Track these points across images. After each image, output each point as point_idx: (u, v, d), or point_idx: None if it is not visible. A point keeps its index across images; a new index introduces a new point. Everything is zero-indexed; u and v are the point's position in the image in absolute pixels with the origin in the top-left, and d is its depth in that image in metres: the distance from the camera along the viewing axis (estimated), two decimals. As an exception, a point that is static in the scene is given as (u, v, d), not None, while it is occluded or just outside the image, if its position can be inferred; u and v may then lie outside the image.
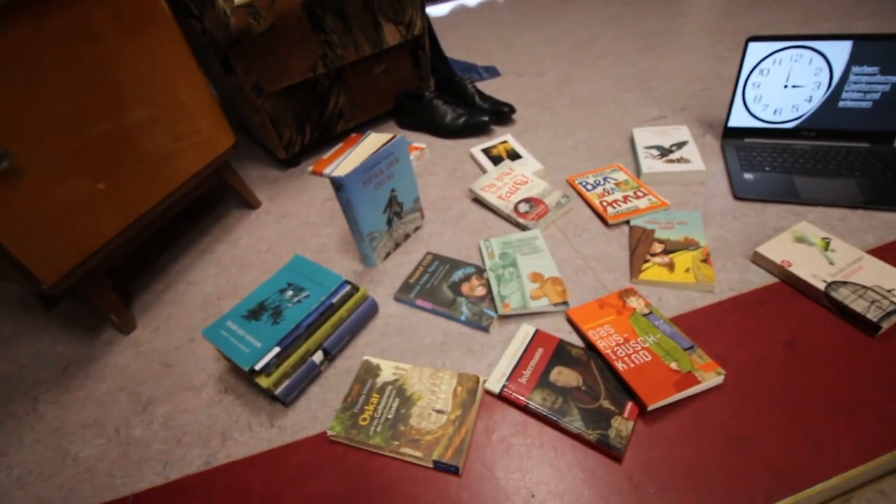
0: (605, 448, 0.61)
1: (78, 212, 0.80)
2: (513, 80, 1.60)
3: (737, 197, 0.96)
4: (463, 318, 0.81)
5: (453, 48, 1.95)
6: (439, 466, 0.63)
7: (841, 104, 1.01)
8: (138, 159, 0.87)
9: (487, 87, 1.58)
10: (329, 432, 0.68)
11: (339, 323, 0.80)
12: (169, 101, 0.91)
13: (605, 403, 0.66)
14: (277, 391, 0.72)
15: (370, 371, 0.75)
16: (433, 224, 1.04)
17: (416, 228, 1.03)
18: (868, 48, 0.95)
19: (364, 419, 0.69)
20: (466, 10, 2.38)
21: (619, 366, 0.68)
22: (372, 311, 0.85)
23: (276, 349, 0.72)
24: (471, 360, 0.76)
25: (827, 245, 0.80)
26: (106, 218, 0.84)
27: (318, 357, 0.77)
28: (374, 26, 1.21)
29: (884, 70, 0.96)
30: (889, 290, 0.71)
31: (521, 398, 0.68)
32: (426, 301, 0.85)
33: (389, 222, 0.95)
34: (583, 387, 0.68)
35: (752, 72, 1.03)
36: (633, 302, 0.78)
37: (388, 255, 0.98)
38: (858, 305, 0.70)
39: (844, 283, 0.73)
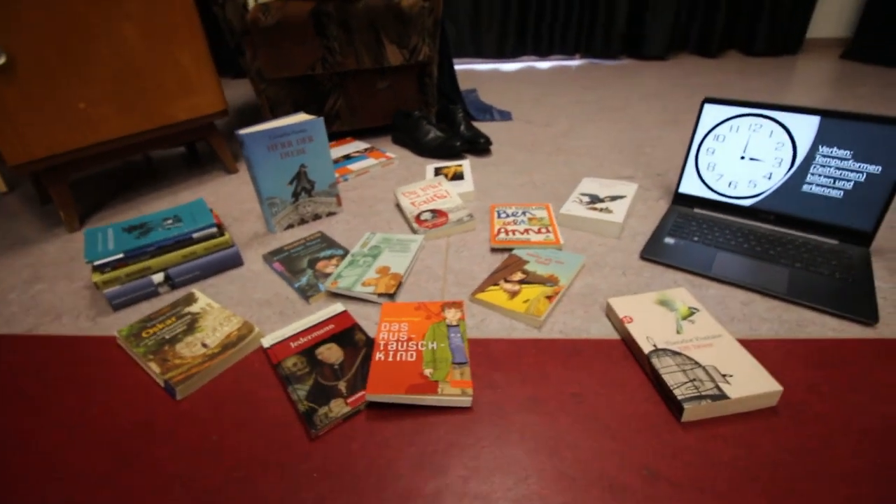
0: (306, 423, 0.57)
1: (55, 118, 0.99)
2: (519, 125, 1.63)
3: (642, 257, 0.86)
4: (296, 285, 0.83)
5: (487, 93, 2.05)
6: (167, 387, 0.64)
7: (805, 188, 0.87)
8: (122, 93, 1.07)
9: (491, 125, 1.63)
10: (116, 334, 0.73)
11: (192, 257, 0.86)
12: (167, 60, 1.11)
13: (341, 385, 0.61)
14: (105, 291, 0.79)
15: (187, 300, 0.79)
16: (348, 214, 1.09)
17: (330, 213, 1.08)
18: (839, 128, 0.82)
19: (147, 332, 0.73)
20: (534, 70, 2.49)
21: (377, 356, 0.64)
22: (233, 259, 0.90)
23: (120, 255, 0.81)
24: (279, 320, 0.77)
25: (689, 315, 0.67)
26: (78, 131, 1.03)
27: (158, 278, 0.83)
28: (377, 44, 1.35)
29: (858, 156, 0.81)
30: (724, 376, 0.57)
31: (276, 358, 0.66)
32: (281, 265, 0.88)
33: (296, 196, 1.01)
34: (336, 365, 0.65)
35: (706, 136, 0.94)
36: (449, 313, 0.73)
37: (290, 226, 1.04)
38: (673, 378, 0.57)
39: (676, 353, 0.61)
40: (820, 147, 0.84)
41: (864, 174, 0.81)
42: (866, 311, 0.69)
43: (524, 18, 2.56)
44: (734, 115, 0.90)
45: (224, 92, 2.27)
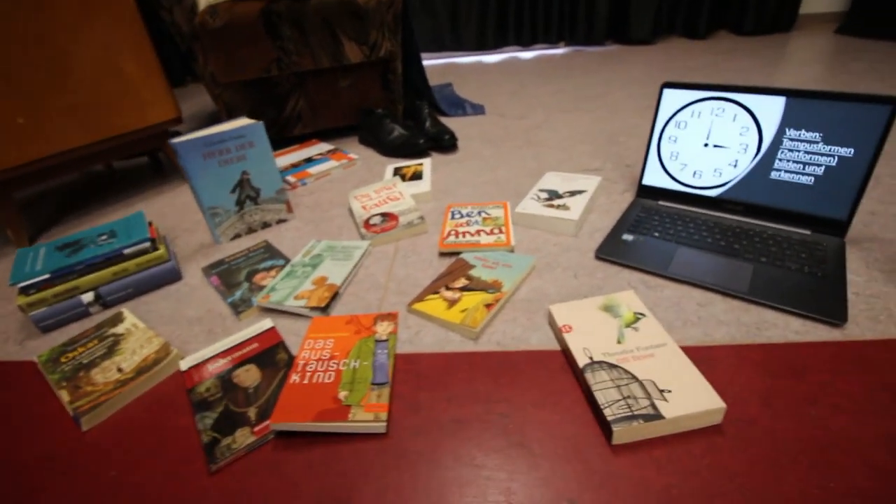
0: (206, 455, 0.53)
1: (-9, 134, 0.96)
2: (491, 118, 1.57)
3: (597, 256, 0.80)
4: (230, 300, 0.78)
5: (465, 87, 1.99)
6: (75, 416, 0.60)
7: (774, 175, 0.80)
8: (63, 106, 1.03)
9: (463, 120, 1.57)
10: (37, 359, 0.70)
11: (124, 274, 0.82)
12: (110, 69, 1.07)
13: (251, 412, 0.57)
14: (31, 313, 0.76)
15: (114, 321, 0.75)
16: (300, 220, 1.04)
17: (281, 221, 1.04)
18: (806, 108, 0.75)
19: (66, 357, 0.69)
20: (517, 61, 2.41)
21: (293, 378, 0.59)
22: (169, 275, 0.86)
23: (46, 275, 0.77)
24: (206, 339, 0.72)
25: (634, 321, 0.61)
26: (17, 147, 1.00)
27: (88, 297, 0.80)
28: (334, 41, 1.30)
29: (828, 138, 0.74)
30: (661, 391, 0.51)
31: (191, 383, 0.62)
32: (217, 279, 0.84)
33: (241, 204, 0.97)
34: (251, 389, 0.60)
35: (667, 124, 0.88)
36: (380, 327, 0.68)
37: (237, 236, 0.99)
38: (605, 396, 0.52)
39: (613, 366, 0.55)
40: (787, 130, 0.77)
41: (836, 158, 0.74)
42: (833, 310, 0.63)
43: (504, 9, 2.49)
44: (695, 99, 0.84)
45: (187, 99, 2.24)
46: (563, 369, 0.60)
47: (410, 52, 1.57)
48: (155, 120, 1.18)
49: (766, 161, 0.80)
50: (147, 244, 0.84)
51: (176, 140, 0.87)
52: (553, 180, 1.02)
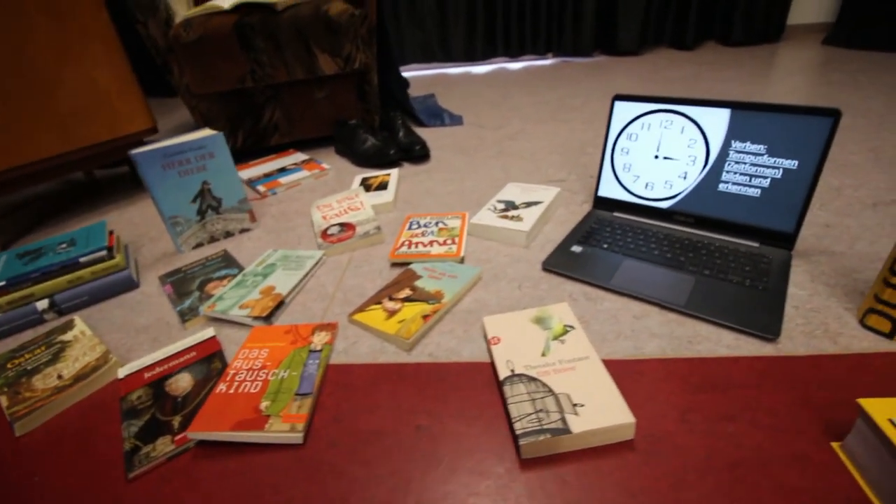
0: (126, 462, 0.53)
1: (-38, 145, 0.99)
2: (469, 129, 1.58)
3: (544, 268, 0.80)
4: (178, 308, 0.79)
5: (449, 97, 2.00)
6: (10, 420, 0.61)
7: (721, 187, 0.80)
8: (32, 117, 1.06)
9: (440, 130, 1.58)
10: (-19, 368, 0.71)
11: (79, 282, 0.84)
12: (81, 80, 1.10)
13: (176, 420, 0.58)
14: (-17, 321, 0.77)
15: (64, 328, 0.77)
16: (263, 230, 1.05)
17: (244, 230, 1.05)
18: (750, 120, 0.75)
19: (13, 363, 0.70)
20: (505, 71, 2.43)
21: (220, 387, 0.60)
22: (125, 283, 0.88)
23: (2, 283, 0.79)
24: (151, 347, 0.73)
25: (562, 334, 0.61)
26: (-12, 156, 1.03)
27: (42, 304, 0.81)
28: (308, 54, 1.32)
29: (773, 150, 0.74)
30: (574, 406, 0.51)
31: (125, 390, 0.63)
32: (171, 287, 0.85)
33: (202, 214, 0.99)
34: (180, 398, 0.61)
35: (619, 135, 0.88)
36: (318, 337, 0.68)
37: (199, 244, 1.01)
38: (518, 409, 0.52)
39: (533, 379, 0.55)
40: (732, 142, 0.77)
41: (781, 170, 0.74)
42: (767, 325, 0.62)
43: (492, 20, 2.52)
44: (645, 111, 0.84)
45: (175, 109, 2.28)
46: (490, 382, 0.60)
47: (388, 64, 1.60)
48: (129, 130, 1.20)
49: (713, 173, 0.80)
50: (103, 253, 0.86)
51: (135, 151, 0.89)
52: (513, 191, 1.02)
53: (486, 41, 2.57)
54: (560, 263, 0.79)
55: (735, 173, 0.78)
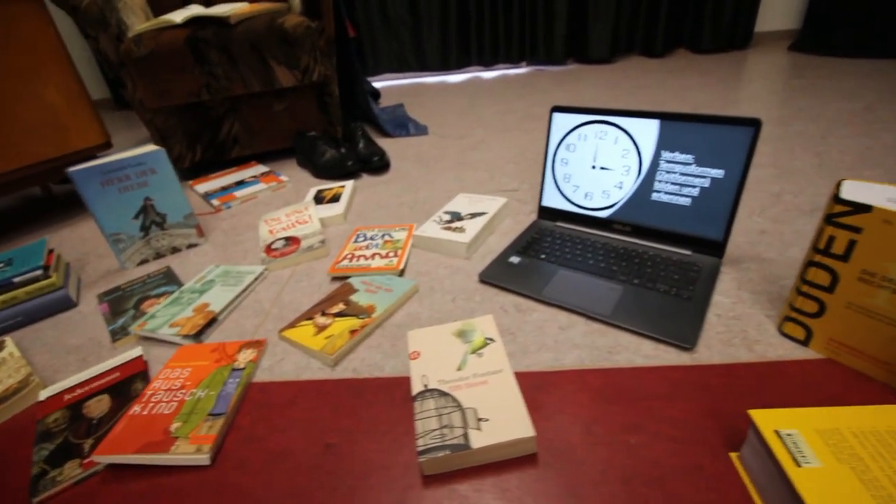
0: (30, 487, 0.52)
1: None
2: (432, 139, 1.58)
3: (480, 279, 0.80)
4: (111, 327, 0.79)
5: (419, 107, 2.01)
6: (-85, 453, 0.60)
7: (654, 197, 0.80)
8: (-21, 136, 1.05)
9: (403, 140, 1.59)
10: None
11: (13, 302, 0.83)
12: (28, 97, 1.09)
13: (87, 444, 0.57)
14: (-90, 343, 0.76)
15: (-8, 350, 0.76)
16: (211, 245, 1.05)
17: (192, 245, 1.04)
18: (678, 131, 0.76)
19: (-69, 389, 0.69)
20: (479, 80, 2.45)
21: (134, 409, 0.59)
22: (62, 303, 0.87)
23: (-71, 305, 0.78)
24: (78, 368, 0.72)
25: (482, 347, 0.61)
26: (-69, 175, 1.02)
27: (-27, 326, 0.80)
28: (264, 66, 1.33)
29: (700, 160, 0.75)
30: (479, 420, 0.51)
31: (42, 413, 0.62)
32: (107, 306, 0.84)
33: (146, 230, 0.98)
34: (95, 420, 0.60)
35: (559, 146, 0.89)
36: (243, 355, 0.68)
37: (144, 261, 1.00)
38: (424, 425, 0.51)
39: (445, 394, 0.55)
40: (662, 152, 0.78)
41: (709, 179, 0.75)
42: (684, 334, 0.62)
43: (465, 30, 2.54)
44: (581, 122, 0.85)
45: (136, 122, 2.27)
46: (407, 397, 0.59)
47: (351, 75, 1.60)
48: (80, 146, 1.19)
49: (647, 183, 0.81)
50: (39, 272, 0.85)
51: (72, 168, 0.88)
52: (461, 202, 1.02)
53: (460, 50, 2.59)
54: (496, 275, 0.79)
55: (666, 182, 0.79)
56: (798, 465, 0.40)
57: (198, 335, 0.73)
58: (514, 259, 0.83)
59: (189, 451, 0.53)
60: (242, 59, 1.30)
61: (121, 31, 1.23)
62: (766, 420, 0.44)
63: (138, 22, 1.36)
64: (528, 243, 0.86)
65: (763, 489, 0.44)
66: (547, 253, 0.83)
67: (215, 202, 1.22)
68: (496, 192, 1.12)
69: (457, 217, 0.96)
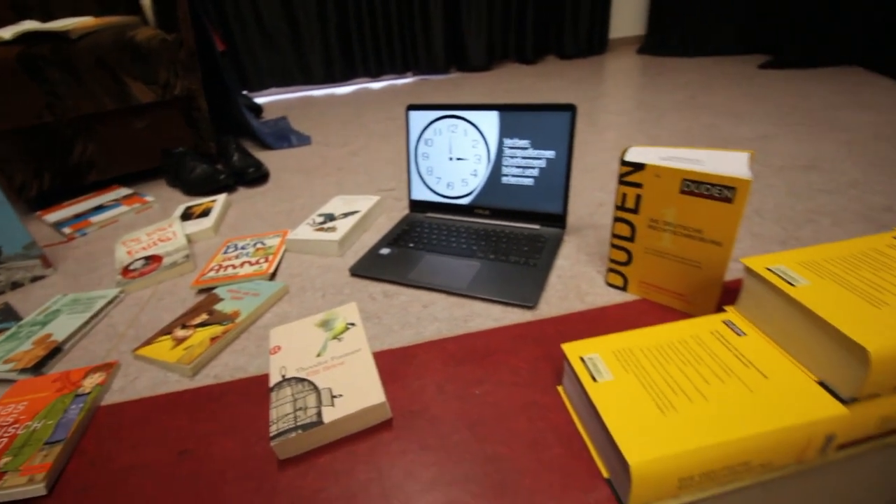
0: None
1: None
2: (315, 149, 1.58)
3: (351, 273, 0.82)
4: (-74, 376, 0.69)
5: (304, 119, 2.00)
6: None
7: (504, 180, 0.89)
8: None
9: (286, 151, 1.57)
10: None
11: None
12: None
13: None
14: None
15: None
16: (61, 275, 0.95)
17: (36, 278, 0.94)
18: (514, 119, 0.85)
19: None
20: (368, 91, 2.48)
21: (-53, 456, 0.52)
22: None
23: None
24: None
25: (343, 332, 0.63)
26: None
27: None
28: (116, 82, 1.24)
29: (535, 144, 0.84)
30: (334, 397, 0.53)
31: None
32: (-78, 353, 0.73)
33: (-26, 265, 0.87)
34: None
35: (418, 141, 0.94)
36: (89, 379, 0.63)
37: (-24, 301, 0.88)
38: (278, 412, 0.52)
39: (302, 380, 0.56)
40: (505, 140, 0.87)
41: (545, 160, 0.85)
42: (526, 295, 0.70)
43: (347, 41, 2.57)
44: (434, 118, 0.91)
45: None
46: (267, 393, 0.60)
47: (223, 89, 1.55)
48: None
49: (496, 168, 0.89)
50: None
51: None
52: (336, 204, 1.04)
53: (345, 62, 2.61)
54: (366, 267, 0.82)
55: (512, 167, 0.87)
56: (594, 380, 0.48)
57: (37, 367, 0.67)
58: (385, 251, 0.86)
59: (20, 483, 0.48)
60: (89, 76, 1.20)
61: (-73, 47, 1.08)
62: (574, 350, 0.51)
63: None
64: (398, 235, 0.90)
65: (577, 408, 0.51)
66: (416, 241, 0.87)
67: (67, 230, 1.11)
68: (375, 192, 1.16)
69: (330, 218, 0.97)
